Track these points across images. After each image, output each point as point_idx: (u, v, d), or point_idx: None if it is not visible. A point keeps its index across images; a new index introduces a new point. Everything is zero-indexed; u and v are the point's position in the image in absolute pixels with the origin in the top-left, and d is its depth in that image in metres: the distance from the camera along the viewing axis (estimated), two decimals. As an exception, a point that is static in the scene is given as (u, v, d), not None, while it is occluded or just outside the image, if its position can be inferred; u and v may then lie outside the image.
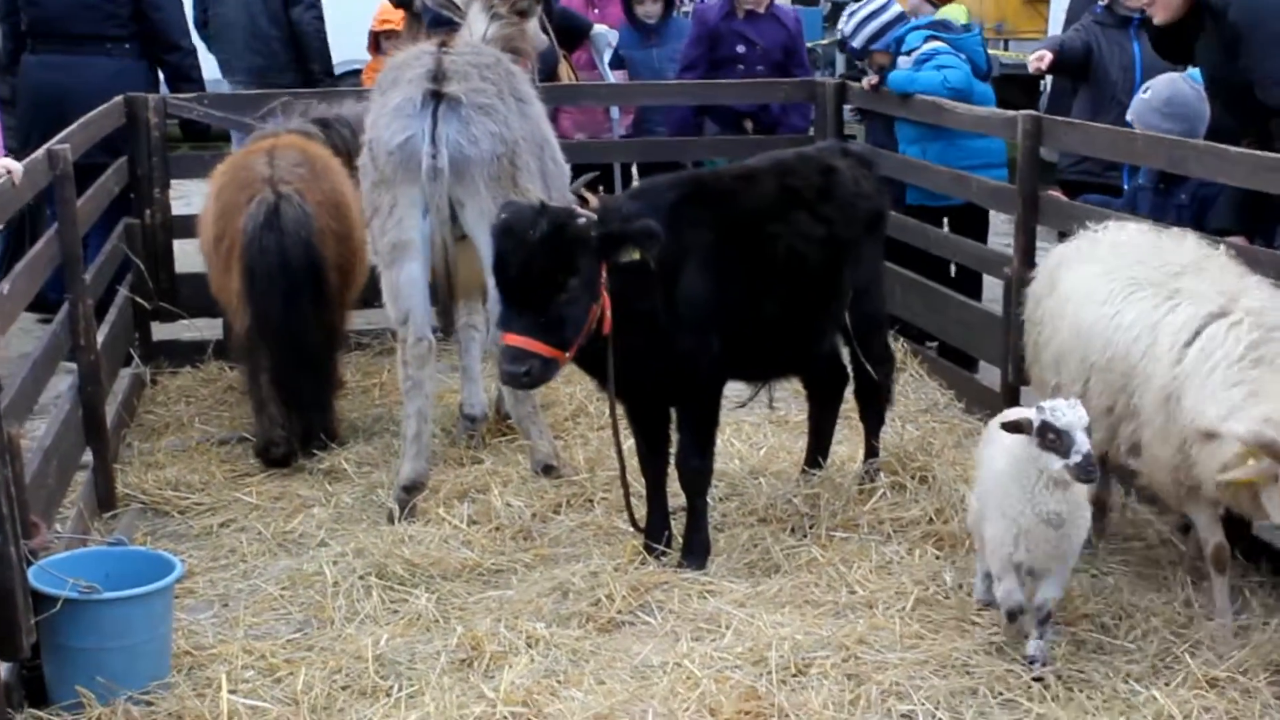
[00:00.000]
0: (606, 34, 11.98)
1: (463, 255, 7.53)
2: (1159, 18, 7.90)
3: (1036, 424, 5.57)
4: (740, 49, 11.16)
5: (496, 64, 7.57)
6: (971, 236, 9.87)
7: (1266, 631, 5.98)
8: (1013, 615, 5.89)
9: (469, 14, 8.25)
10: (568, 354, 6.24)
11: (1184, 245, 6.34)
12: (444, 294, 7.63)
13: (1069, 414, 5.52)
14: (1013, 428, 5.69)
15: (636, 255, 6.21)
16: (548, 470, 7.78)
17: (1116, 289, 6.22)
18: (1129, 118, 8.45)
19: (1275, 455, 5.37)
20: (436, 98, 7.25)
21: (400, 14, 10.03)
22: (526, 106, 7.60)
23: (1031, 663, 5.77)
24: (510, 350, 6.16)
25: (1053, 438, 5.51)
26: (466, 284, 7.81)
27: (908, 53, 10.14)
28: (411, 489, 7.45)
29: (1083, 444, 5.47)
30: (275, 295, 8.01)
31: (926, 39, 10.13)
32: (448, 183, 7.26)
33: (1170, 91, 8.14)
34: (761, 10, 11.20)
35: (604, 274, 6.25)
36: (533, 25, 8.62)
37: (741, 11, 11.16)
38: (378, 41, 11.30)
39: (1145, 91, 8.30)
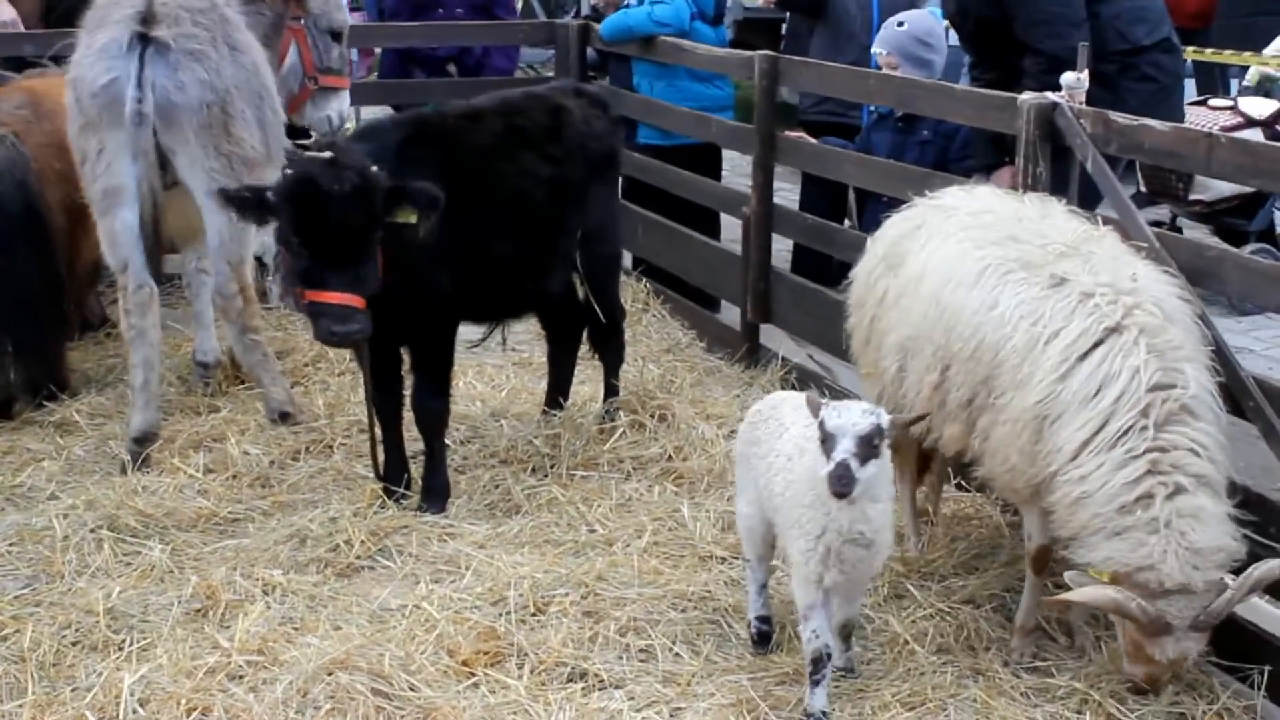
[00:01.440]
0: (345, -27, 11.78)
1: (175, 203, 7.38)
2: None
3: (819, 418, 4.83)
4: None
5: (210, 9, 7.37)
6: (704, 175, 9.90)
7: (995, 565, 6.18)
8: (820, 661, 5.07)
9: None
10: None
11: (1054, 217, 5.63)
12: (149, 241, 7.26)
13: (846, 415, 4.78)
14: (814, 408, 4.88)
15: (413, 219, 6.12)
16: (284, 417, 7.66)
17: (988, 270, 5.43)
18: (879, 48, 8.57)
19: (1125, 616, 4.97)
20: (144, 40, 7.04)
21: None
22: (241, 55, 7.41)
23: (848, 673, 5.37)
24: (336, 309, 6.04)
25: (822, 437, 4.80)
26: (184, 231, 7.65)
27: None
28: (143, 440, 7.29)
29: (843, 452, 4.72)
30: None
31: None
32: (156, 130, 7.07)
33: (929, 24, 8.31)
34: None
35: None
36: None
37: None
38: None
39: (900, 24, 8.40)
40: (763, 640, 5.57)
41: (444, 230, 6.43)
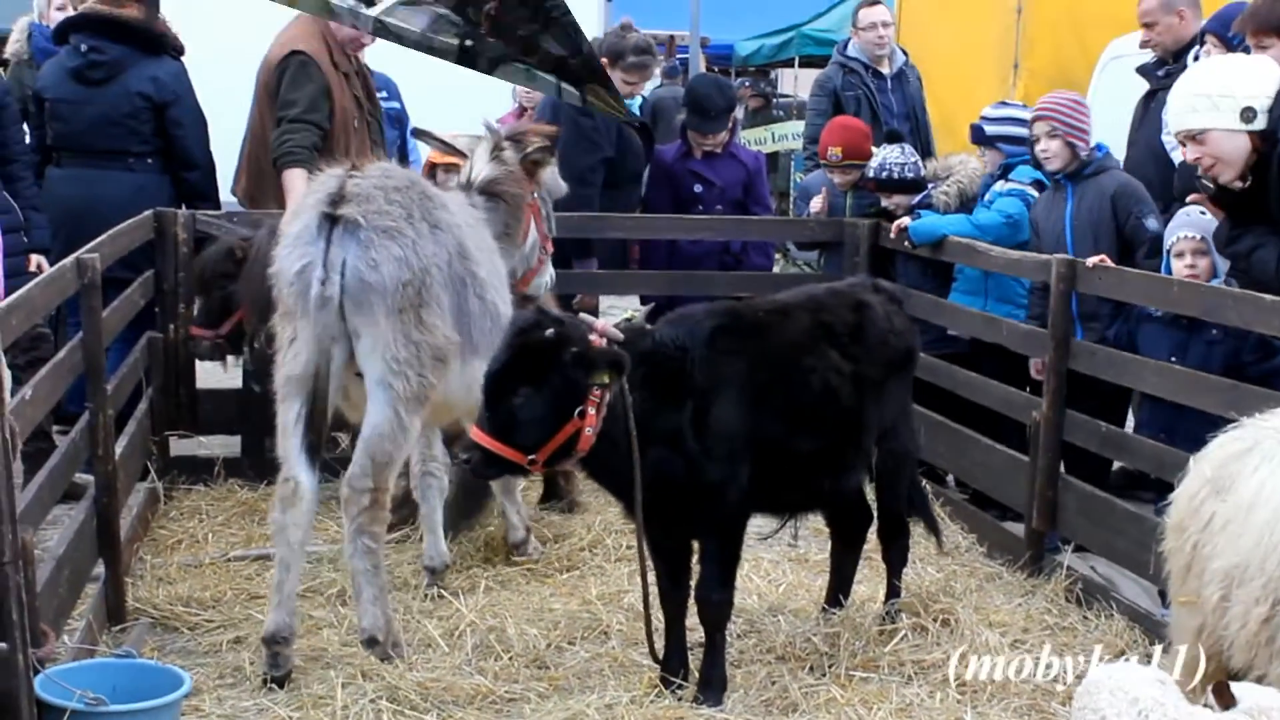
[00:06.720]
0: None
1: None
2: (1226, 177, 7.44)
3: None
4: (698, 189, 11.15)
5: (410, 187, 7.08)
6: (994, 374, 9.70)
7: None
8: None
9: (475, 153, 8.12)
10: (528, 459, 6.18)
11: None
12: (313, 434, 6.93)
13: None
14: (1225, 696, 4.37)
15: (606, 380, 6.16)
16: (371, 643, 6.99)
17: None
18: (1187, 231, 8.25)
19: None
20: (331, 221, 6.76)
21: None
22: (441, 234, 7.06)
23: None
24: (469, 442, 6.22)
25: None
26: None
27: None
28: (271, 642, 6.86)
29: None
30: None
31: (1033, 180, 9.85)
32: (344, 311, 6.79)
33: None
34: (719, 151, 11.20)
35: (603, 395, 6.19)
36: (548, 173, 8.44)
37: (699, 152, 11.18)
38: (433, 172, 10.75)
39: (1203, 213, 8.12)
40: None
41: (749, 422, 6.45)
